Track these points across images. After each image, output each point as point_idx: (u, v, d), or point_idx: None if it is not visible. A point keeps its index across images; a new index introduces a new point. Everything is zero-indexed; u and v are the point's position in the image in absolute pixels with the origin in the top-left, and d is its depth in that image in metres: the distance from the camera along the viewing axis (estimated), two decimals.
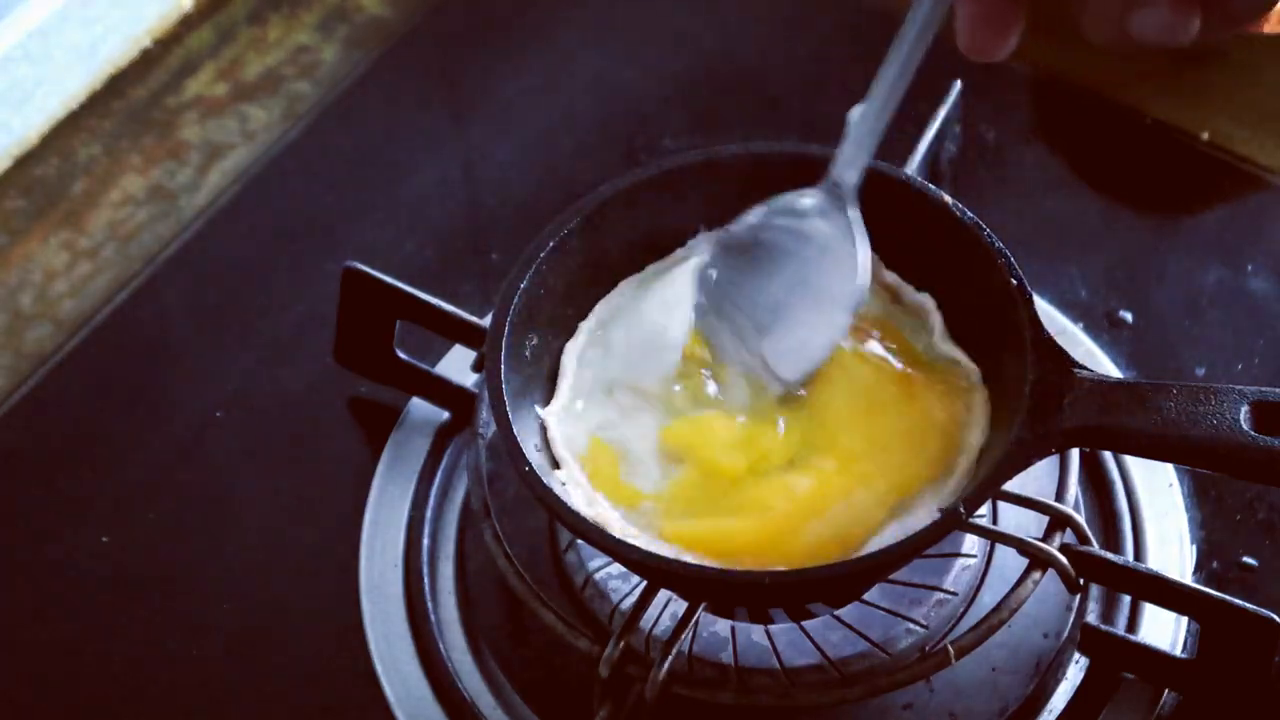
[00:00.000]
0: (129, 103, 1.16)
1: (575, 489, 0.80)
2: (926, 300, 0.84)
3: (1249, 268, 1.02)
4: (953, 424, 0.80)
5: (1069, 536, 0.81)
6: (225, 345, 1.04)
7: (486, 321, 0.85)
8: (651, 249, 0.87)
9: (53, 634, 0.93)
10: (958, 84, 0.96)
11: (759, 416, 0.81)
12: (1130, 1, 0.67)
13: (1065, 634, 0.86)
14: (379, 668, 0.89)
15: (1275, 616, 0.80)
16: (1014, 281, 0.79)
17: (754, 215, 0.82)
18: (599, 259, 0.85)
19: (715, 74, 1.14)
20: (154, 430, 1.00)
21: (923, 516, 0.77)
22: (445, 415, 0.97)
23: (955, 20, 0.71)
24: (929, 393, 0.81)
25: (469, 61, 1.17)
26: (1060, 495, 0.84)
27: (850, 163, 0.79)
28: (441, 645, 0.89)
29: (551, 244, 0.83)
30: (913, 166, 0.92)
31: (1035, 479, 0.83)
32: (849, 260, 0.80)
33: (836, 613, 0.86)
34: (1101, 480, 0.93)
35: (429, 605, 0.90)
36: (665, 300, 0.85)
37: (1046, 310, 0.98)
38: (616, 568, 0.86)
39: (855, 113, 0.78)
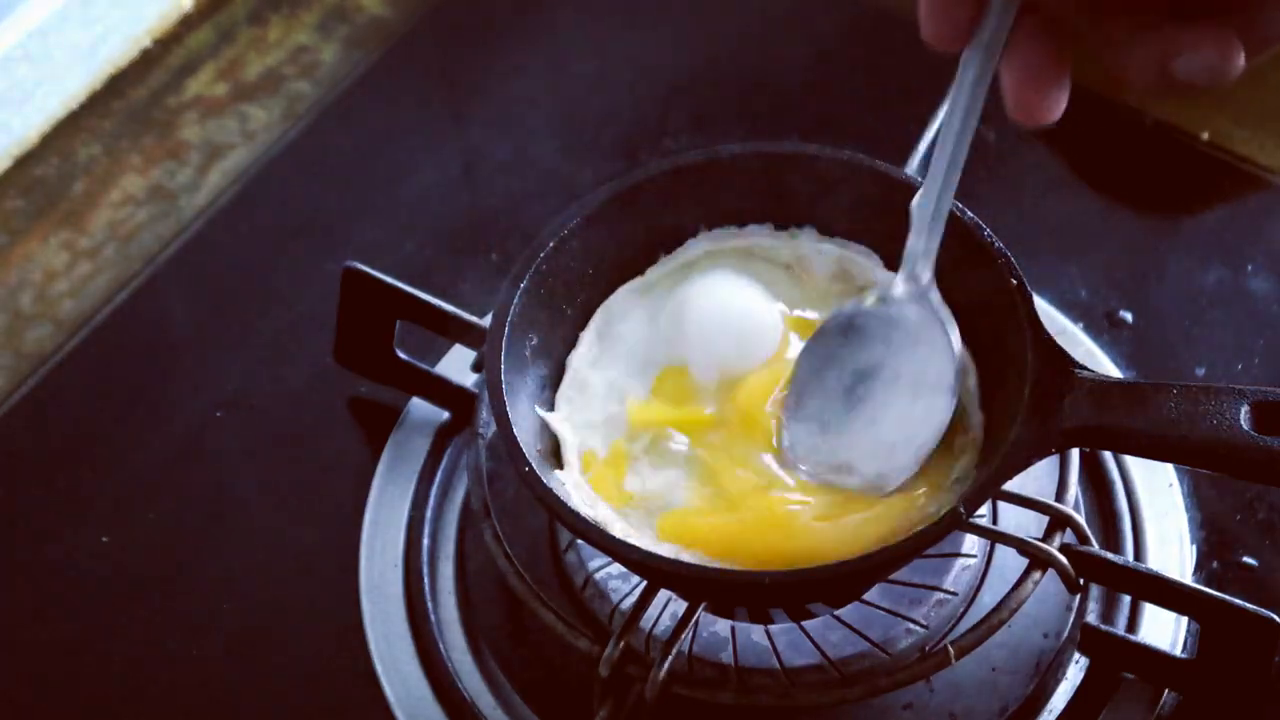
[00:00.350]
0: (129, 103, 1.16)
1: (575, 489, 0.80)
2: None
3: (1249, 268, 1.02)
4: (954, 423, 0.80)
5: (1069, 536, 0.81)
6: (225, 345, 1.04)
7: (486, 321, 0.85)
8: (652, 249, 0.87)
9: (53, 634, 0.93)
10: None
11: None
12: (1172, 48, 0.65)
13: (1065, 634, 0.86)
14: (379, 668, 0.89)
15: (1275, 616, 0.80)
16: (1014, 281, 0.79)
17: (844, 313, 0.81)
18: (599, 259, 0.85)
19: (715, 74, 1.14)
20: (154, 430, 1.00)
21: (923, 516, 0.77)
22: (445, 415, 0.97)
23: (1001, 87, 0.69)
24: None
25: (469, 61, 1.17)
26: (1060, 495, 0.84)
27: (919, 253, 0.78)
28: (441, 645, 0.89)
29: (551, 244, 0.83)
30: (912, 166, 0.92)
31: (1035, 479, 0.83)
32: (940, 346, 0.79)
33: (836, 613, 0.86)
34: (1101, 480, 0.93)
35: (429, 605, 0.90)
36: (674, 310, 0.85)
37: (1046, 310, 0.98)
38: (616, 568, 0.86)
39: (916, 201, 0.77)
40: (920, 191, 0.77)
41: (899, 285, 0.79)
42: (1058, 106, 0.68)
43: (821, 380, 0.81)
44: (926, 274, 0.78)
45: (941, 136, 0.75)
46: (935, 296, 0.79)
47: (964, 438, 0.80)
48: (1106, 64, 0.67)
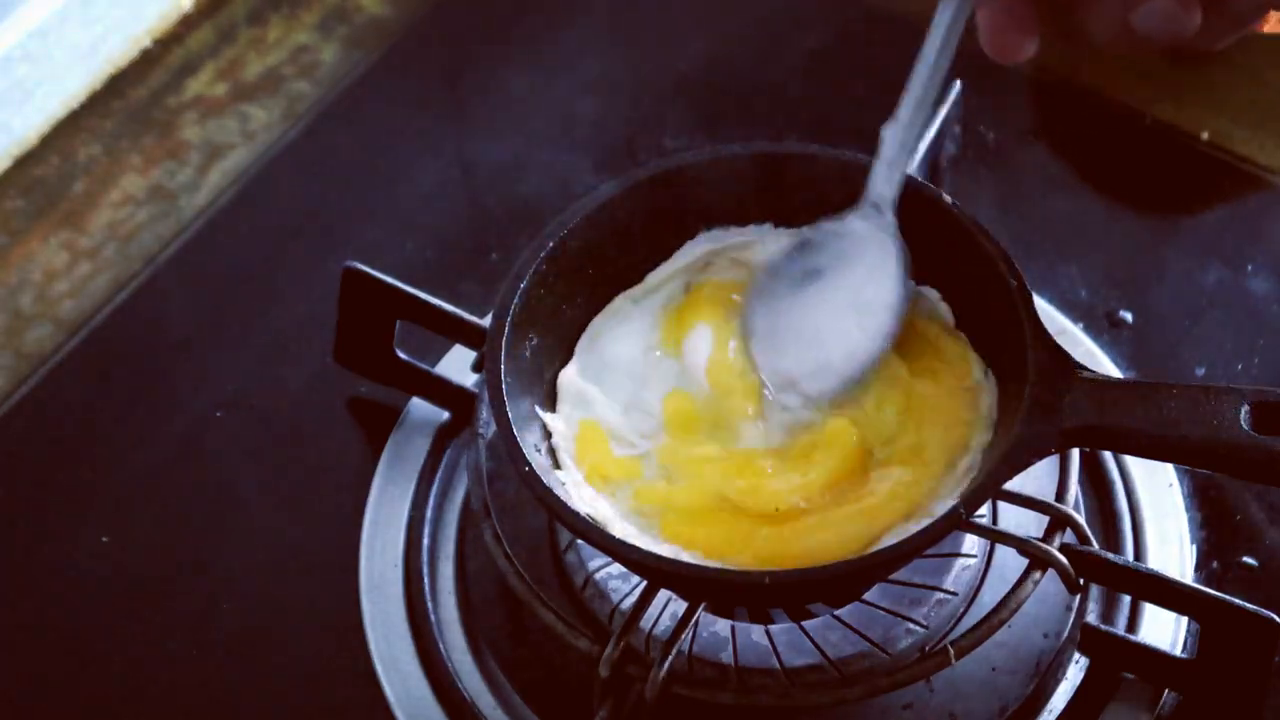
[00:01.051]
0: (129, 103, 1.16)
1: (576, 489, 0.80)
2: (929, 293, 0.84)
3: (1249, 268, 1.02)
4: (962, 423, 0.80)
5: (1069, 536, 0.81)
6: (225, 345, 1.04)
7: (486, 321, 0.85)
8: (651, 249, 0.87)
9: (53, 634, 0.93)
10: (958, 84, 0.96)
11: (773, 439, 0.81)
12: (1132, 0, 0.67)
13: (1065, 634, 0.86)
14: (379, 668, 0.89)
15: (1275, 616, 0.80)
16: (1014, 282, 0.79)
17: (800, 234, 0.84)
18: (599, 259, 0.85)
19: (716, 74, 1.14)
20: (154, 430, 1.00)
21: (926, 517, 0.77)
22: (445, 415, 0.97)
23: (976, 25, 0.73)
24: (940, 394, 0.81)
25: (469, 61, 1.17)
26: (1060, 495, 0.84)
27: (886, 179, 0.81)
28: (441, 645, 0.89)
29: (551, 244, 0.83)
30: (913, 167, 0.92)
31: (1035, 479, 0.83)
32: (890, 272, 0.81)
33: (836, 613, 0.86)
34: (1101, 480, 0.93)
35: (429, 605, 0.90)
36: (676, 323, 0.85)
37: (1046, 310, 0.98)
38: (616, 568, 0.86)
39: (886, 130, 0.80)
40: (890, 122, 0.80)
41: (860, 210, 0.81)
42: (1028, 47, 0.73)
43: (774, 296, 0.83)
44: (887, 202, 0.81)
45: (916, 71, 0.78)
46: (893, 224, 0.81)
47: (970, 439, 0.80)
48: (1072, 20, 0.69)
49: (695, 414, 0.82)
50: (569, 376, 0.84)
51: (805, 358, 0.82)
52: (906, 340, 0.83)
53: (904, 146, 0.80)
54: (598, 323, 0.86)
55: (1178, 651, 0.87)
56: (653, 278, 0.87)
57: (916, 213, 0.83)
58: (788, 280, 0.83)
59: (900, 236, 0.81)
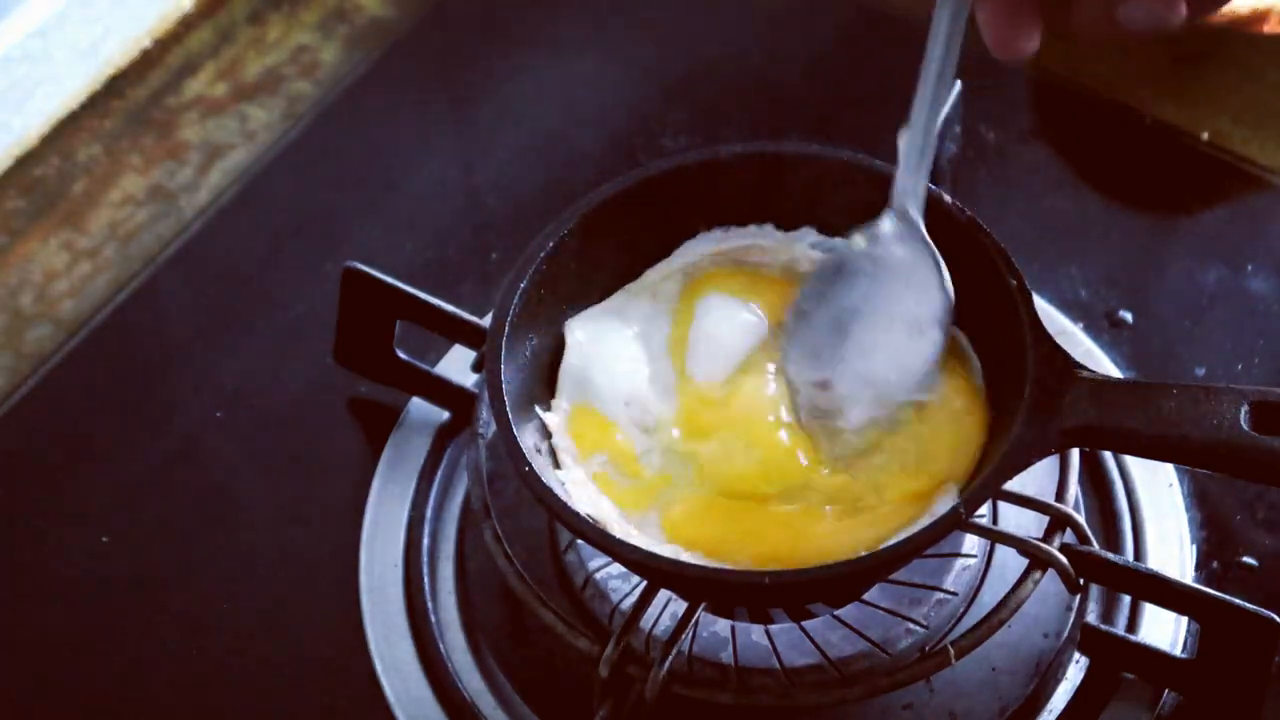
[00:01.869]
0: (129, 103, 1.16)
1: (576, 489, 0.80)
2: None
3: (1249, 268, 1.02)
4: (959, 423, 0.80)
5: (1069, 536, 0.81)
6: (225, 345, 1.04)
7: (486, 321, 0.85)
8: (651, 249, 0.87)
9: (53, 634, 0.93)
10: (958, 85, 0.96)
11: (777, 437, 0.81)
12: None
13: (1065, 634, 0.86)
14: (379, 668, 0.89)
15: (1275, 616, 0.80)
16: (1014, 282, 0.79)
17: (830, 249, 0.83)
18: (599, 259, 0.85)
19: (715, 74, 1.14)
20: (154, 430, 1.00)
21: (926, 516, 0.77)
22: (445, 415, 0.97)
23: (979, 24, 0.72)
24: (941, 397, 0.81)
25: (469, 61, 1.17)
26: (1060, 495, 0.84)
27: (911, 187, 0.79)
28: (441, 645, 0.89)
29: (551, 244, 0.83)
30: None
31: (1035, 479, 0.83)
32: (931, 281, 0.80)
33: (836, 613, 0.86)
34: (1101, 480, 0.93)
35: (429, 605, 0.91)
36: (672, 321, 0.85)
37: (1046, 310, 0.98)
38: (616, 568, 0.86)
39: (903, 137, 0.79)
40: (906, 127, 0.78)
41: (887, 224, 0.80)
42: (1032, 42, 0.72)
43: (813, 326, 0.82)
44: (916, 210, 0.80)
45: (924, 73, 0.77)
46: (924, 233, 0.80)
47: (966, 438, 0.80)
48: (1057, 17, 0.69)
49: (705, 410, 0.82)
50: (568, 370, 0.84)
51: (854, 384, 0.81)
52: None
53: (924, 150, 0.79)
54: (600, 317, 0.85)
55: (1178, 651, 0.87)
56: (651, 275, 0.87)
57: None
58: (827, 312, 0.82)
59: (931, 242, 0.80)
